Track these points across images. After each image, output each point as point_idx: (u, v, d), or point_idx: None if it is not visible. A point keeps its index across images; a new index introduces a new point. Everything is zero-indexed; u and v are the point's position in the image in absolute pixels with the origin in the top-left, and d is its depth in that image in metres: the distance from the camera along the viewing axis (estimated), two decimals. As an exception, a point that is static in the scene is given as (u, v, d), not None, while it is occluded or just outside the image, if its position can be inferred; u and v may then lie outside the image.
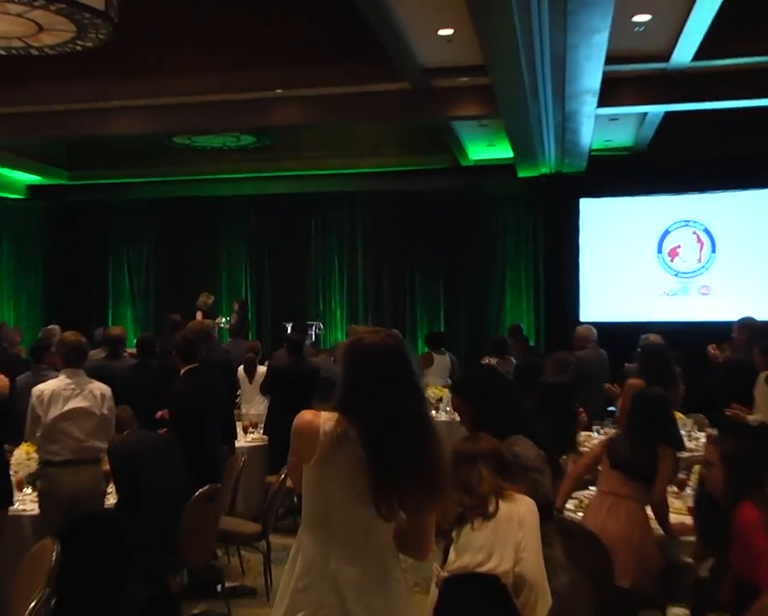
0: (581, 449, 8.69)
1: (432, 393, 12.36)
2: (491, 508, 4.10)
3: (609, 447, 6.19)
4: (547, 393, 7.65)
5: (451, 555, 4.13)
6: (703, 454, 4.97)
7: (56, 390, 6.97)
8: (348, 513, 3.46)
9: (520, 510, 4.09)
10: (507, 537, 4.02)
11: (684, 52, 10.58)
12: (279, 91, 12.39)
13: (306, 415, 3.50)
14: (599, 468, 6.29)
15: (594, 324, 12.71)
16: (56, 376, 7.22)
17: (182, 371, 7.94)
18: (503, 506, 4.11)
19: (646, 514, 6.01)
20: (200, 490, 6.96)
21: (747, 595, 4.58)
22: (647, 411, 6.34)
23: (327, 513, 3.48)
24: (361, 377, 3.48)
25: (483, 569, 4.01)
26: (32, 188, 19.37)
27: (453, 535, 4.17)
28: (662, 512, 6.08)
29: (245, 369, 11.47)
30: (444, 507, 3.66)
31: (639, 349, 9.95)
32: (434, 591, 4.29)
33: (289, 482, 7.63)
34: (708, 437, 5.51)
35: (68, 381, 7.02)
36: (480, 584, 4.00)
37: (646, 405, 6.44)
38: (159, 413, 7.76)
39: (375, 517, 3.45)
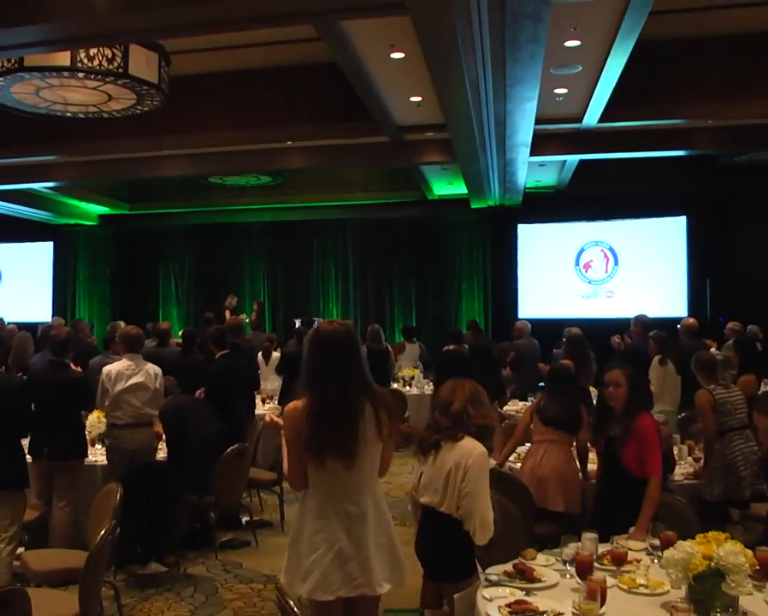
0: (517, 414, 8.78)
1: (405, 373, 12.48)
2: (459, 431, 3.97)
3: (539, 411, 6.20)
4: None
5: (420, 490, 4.06)
6: (610, 378, 5.13)
7: (120, 370, 7.00)
8: (339, 469, 3.51)
9: (468, 462, 3.90)
10: (454, 486, 3.92)
11: (592, 116, 10.64)
12: (289, 142, 12.39)
13: (290, 405, 3.57)
14: (531, 427, 6.31)
15: (529, 320, 12.81)
16: (120, 360, 7.24)
17: (216, 356, 8.00)
18: (455, 452, 3.95)
19: (572, 455, 6.08)
20: (231, 448, 7.01)
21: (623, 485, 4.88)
22: (564, 380, 6.39)
23: (325, 475, 3.53)
24: (314, 355, 3.54)
25: (440, 509, 3.98)
26: (102, 217, 19.32)
27: (423, 465, 4.07)
28: (583, 456, 6.20)
29: (262, 354, 11.51)
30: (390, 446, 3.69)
31: (563, 339, 10.05)
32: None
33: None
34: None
35: (129, 363, 7.05)
36: (441, 515, 3.99)
37: (563, 375, 6.49)
38: (197, 391, 7.78)
39: (362, 467, 3.52)
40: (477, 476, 3.89)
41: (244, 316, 16.09)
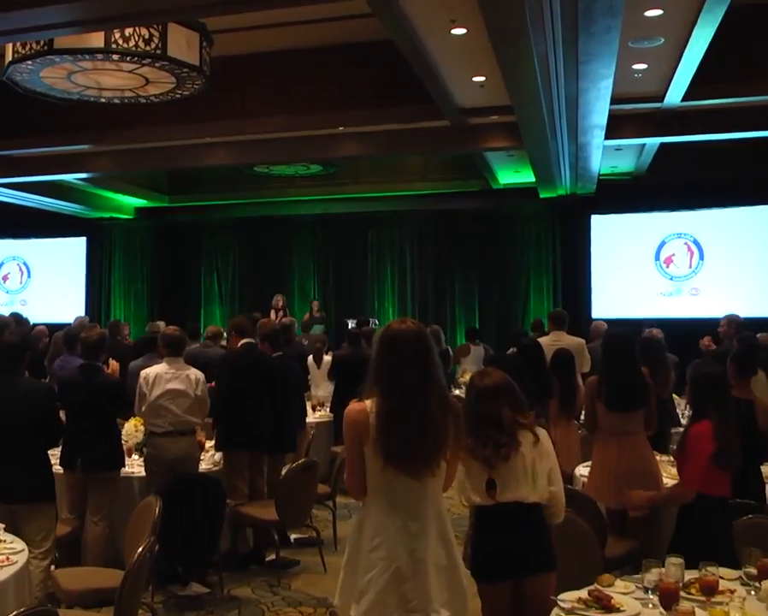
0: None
1: (469, 378, 12.37)
2: (520, 439, 4.10)
3: (600, 395, 6.12)
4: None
5: (500, 491, 4.08)
6: None
7: (159, 373, 7.04)
8: (406, 479, 3.51)
9: (542, 442, 4.12)
10: (540, 469, 4.06)
11: (675, 94, 10.47)
12: (341, 128, 12.43)
13: (354, 406, 3.58)
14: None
15: (603, 320, 12.65)
16: (161, 362, 7.30)
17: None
18: (527, 438, 4.11)
19: (649, 444, 6.06)
20: (297, 462, 7.05)
21: None
22: (616, 349, 6.26)
23: (390, 484, 3.53)
24: (387, 353, 3.57)
25: (529, 500, 4.04)
26: (139, 210, 19.61)
27: (494, 469, 4.11)
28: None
29: (313, 357, 11.53)
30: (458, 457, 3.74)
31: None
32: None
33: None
34: None
35: (169, 367, 7.10)
36: (523, 509, 4.05)
37: (620, 341, 6.34)
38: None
39: (428, 478, 3.53)
40: (553, 453, 4.16)
41: (300, 316, 16.17)
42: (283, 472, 7.12)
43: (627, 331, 6.57)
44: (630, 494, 5.33)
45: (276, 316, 15.29)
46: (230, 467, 7.31)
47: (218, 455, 7.42)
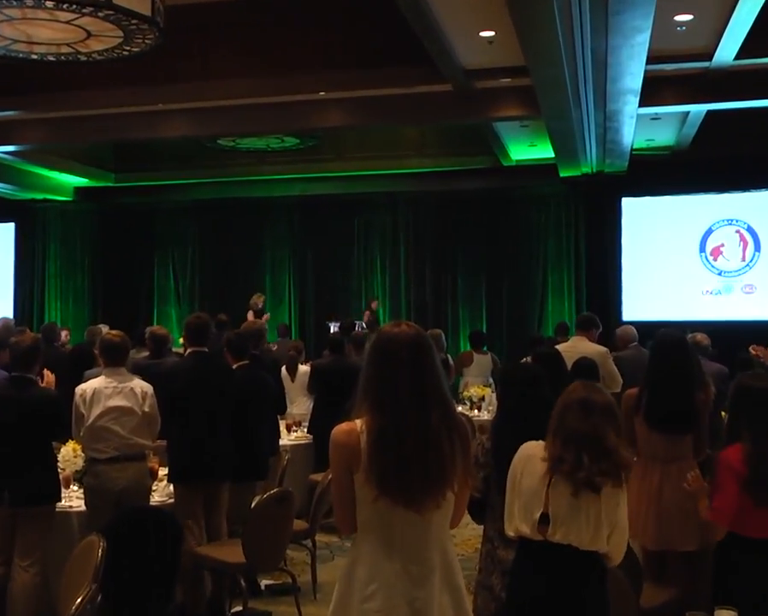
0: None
1: (473, 392, 12.38)
2: (624, 477, 4.12)
3: (641, 410, 6.06)
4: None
5: (554, 526, 4.08)
6: None
7: (97, 389, 6.98)
8: (405, 513, 3.48)
9: (623, 489, 4.13)
10: (607, 520, 4.06)
11: (727, 51, 10.47)
12: (322, 93, 12.43)
13: (343, 427, 3.55)
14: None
15: (637, 324, 12.58)
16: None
17: (234, 367, 8.02)
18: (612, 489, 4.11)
19: (697, 467, 5.91)
20: (268, 493, 7.01)
21: None
22: (668, 356, 6.17)
23: (384, 518, 3.51)
24: (380, 364, 3.56)
25: (585, 548, 4.05)
26: (78, 190, 19.56)
27: (543, 490, 4.12)
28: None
29: (287, 368, 11.49)
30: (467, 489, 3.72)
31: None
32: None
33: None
34: None
35: (109, 379, 7.06)
36: (577, 556, 4.07)
37: (671, 344, 6.27)
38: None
39: (432, 511, 3.50)
40: (626, 503, 4.15)
41: (268, 316, 16.20)
42: (252, 505, 7.08)
43: (682, 335, 6.54)
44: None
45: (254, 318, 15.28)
46: (179, 502, 7.26)
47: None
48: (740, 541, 4.81)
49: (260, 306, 16.08)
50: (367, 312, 16.76)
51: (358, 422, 3.52)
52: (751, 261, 16.49)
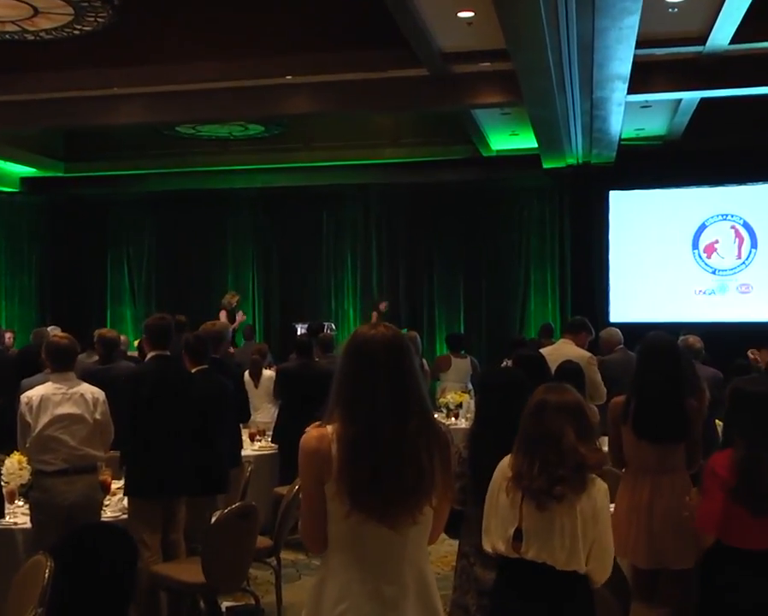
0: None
1: (450, 398, 12.38)
2: (584, 483, 4.08)
3: (629, 419, 6.02)
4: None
5: (527, 543, 4.09)
6: None
7: (45, 396, 6.92)
8: (379, 528, 3.46)
9: (597, 499, 4.09)
10: (585, 537, 4.05)
11: (722, 34, 10.52)
12: (288, 77, 12.40)
13: (313, 433, 3.53)
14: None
15: (625, 325, 12.62)
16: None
17: (192, 372, 7.97)
18: (584, 500, 4.08)
19: (690, 479, 5.96)
20: (230, 507, 6.98)
21: None
22: (657, 360, 6.13)
23: (357, 534, 3.49)
24: (354, 368, 3.55)
25: (561, 568, 4.04)
26: (26, 181, 19.43)
27: (524, 515, 4.12)
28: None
29: (250, 372, 11.46)
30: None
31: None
32: None
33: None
34: None
35: (58, 385, 7.00)
36: (555, 576, 4.06)
37: (656, 352, 6.22)
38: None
39: (408, 527, 3.48)
40: (607, 521, 4.12)
41: (243, 315, 16.17)
42: (213, 520, 7.05)
43: (672, 338, 6.54)
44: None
45: (229, 320, 15.25)
46: (134, 517, 7.21)
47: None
48: (733, 554, 4.83)
49: (234, 305, 16.05)
50: (374, 314, 16.65)
51: (330, 428, 3.50)
52: (747, 259, 16.56)
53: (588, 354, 9.45)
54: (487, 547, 4.22)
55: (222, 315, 15.44)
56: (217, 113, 14.07)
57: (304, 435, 3.57)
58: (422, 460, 3.48)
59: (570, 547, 4.04)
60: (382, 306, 17.14)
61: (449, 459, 3.63)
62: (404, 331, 13.41)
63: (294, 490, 7.68)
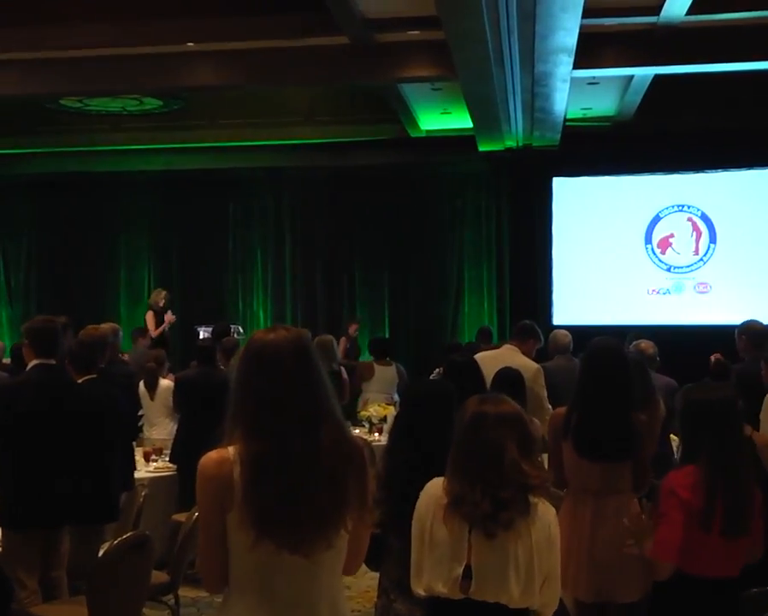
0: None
1: (373, 411, 12.37)
2: (532, 507, 4.05)
3: (568, 434, 6.03)
4: None
5: (477, 584, 4.04)
6: None
7: None
8: (290, 559, 3.45)
9: (551, 525, 4.10)
10: (539, 567, 4.03)
11: (678, 4, 10.64)
12: (190, 44, 12.34)
13: (212, 455, 3.51)
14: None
15: (570, 329, 12.71)
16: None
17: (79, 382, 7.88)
18: (532, 525, 4.06)
19: (637, 503, 5.95)
20: (121, 538, 6.89)
21: None
22: (602, 369, 6.15)
23: (265, 567, 3.47)
24: (251, 378, 3.54)
25: (514, 606, 4.02)
26: None
27: (474, 548, 4.07)
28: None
29: (145, 383, 11.37)
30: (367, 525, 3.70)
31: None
32: None
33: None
34: None
35: None
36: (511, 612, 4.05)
37: (601, 360, 6.25)
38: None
39: (323, 552, 3.48)
40: (557, 544, 4.12)
41: (172, 316, 16.01)
42: (101, 553, 6.98)
43: (618, 343, 6.58)
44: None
45: (155, 323, 15.13)
46: (7, 552, 7.10)
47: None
48: (696, 584, 4.87)
49: (161, 304, 15.85)
50: (343, 339, 16.43)
51: (231, 449, 3.48)
52: (705, 255, 16.76)
53: (537, 366, 9.40)
54: (419, 590, 4.14)
55: (149, 317, 15.30)
56: (108, 84, 13.93)
57: (202, 459, 3.54)
58: (337, 477, 3.49)
59: (526, 582, 4.02)
60: (352, 330, 16.80)
61: (365, 476, 3.62)
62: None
63: (194, 517, 7.62)
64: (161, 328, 15.27)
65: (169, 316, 15.61)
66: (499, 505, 4.01)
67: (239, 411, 3.52)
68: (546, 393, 9.15)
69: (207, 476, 3.49)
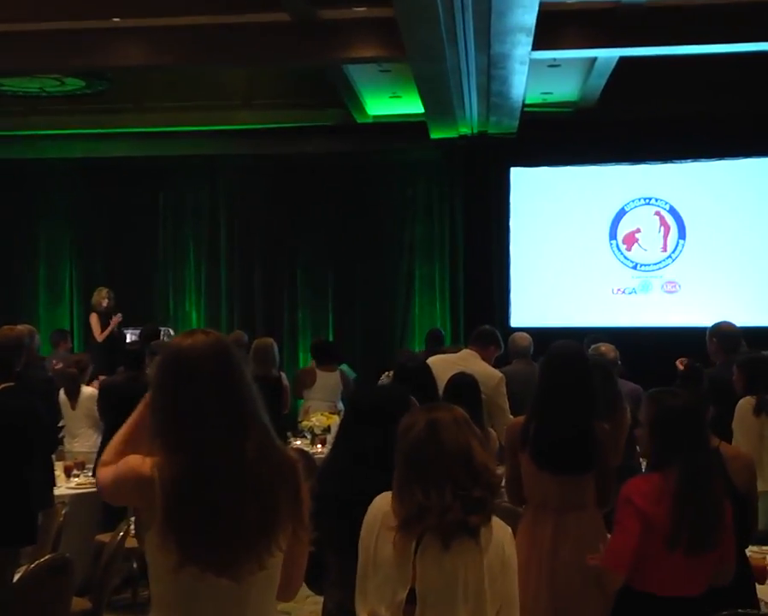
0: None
1: (315, 421, 12.33)
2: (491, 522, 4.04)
3: (526, 444, 6.06)
4: None
5: (422, 608, 3.99)
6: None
7: None
8: (216, 582, 3.44)
9: (505, 545, 4.08)
10: (493, 593, 3.99)
11: (644, -20, 10.71)
12: (115, 20, 12.26)
13: (132, 461, 3.50)
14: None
15: (529, 331, 12.74)
16: None
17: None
18: (489, 540, 4.03)
19: (603, 524, 6.03)
20: (39, 561, 6.82)
21: None
22: (561, 374, 6.21)
23: (189, 592, 3.46)
24: (170, 387, 3.55)
25: None
26: None
27: (410, 565, 4.03)
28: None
29: (66, 390, 11.29)
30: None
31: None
32: None
33: (130, 541, 7.61)
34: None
35: None
36: None
37: (559, 365, 6.31)
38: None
39: (253, 575, 3.48)
40: (515, 570, 4.11)
41: (120, 316, 15.90)
42: (16, 578, 6.91)
43: (580, 346, 6.59)
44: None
45: (100, 324, 15.03)
46: None
47: None
48: (650, 602, 4.90)
49: (105, 305, 15.72)
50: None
51: (149, 461, 3.46)
52: (674, 252, 16.86)
53: (500, 375, 9.39)
54: (363, 615, 4.09)
55: (93, 319, 15.25)
56: (24, 62, 13.78)
57: (121, 461, 3.55)
58: (264, 490, 3.49)
59: (475, 609, 3.97)
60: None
61: (299, 490, 3.62)
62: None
63: (119, 538, 7.58)
64: (107, 331, 15.17)
65: (117, 318, 15.52)
66: (471, 506, 3.96)
67: (158, 421, 3.52)
68: (507, 405, 9.14)
69: (122, 483, 3.56)
